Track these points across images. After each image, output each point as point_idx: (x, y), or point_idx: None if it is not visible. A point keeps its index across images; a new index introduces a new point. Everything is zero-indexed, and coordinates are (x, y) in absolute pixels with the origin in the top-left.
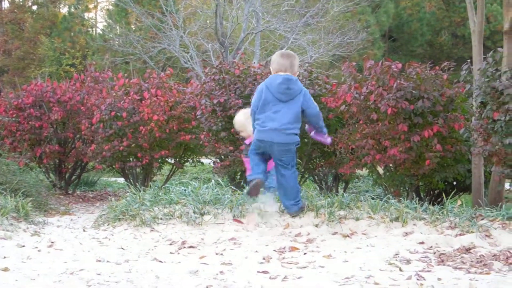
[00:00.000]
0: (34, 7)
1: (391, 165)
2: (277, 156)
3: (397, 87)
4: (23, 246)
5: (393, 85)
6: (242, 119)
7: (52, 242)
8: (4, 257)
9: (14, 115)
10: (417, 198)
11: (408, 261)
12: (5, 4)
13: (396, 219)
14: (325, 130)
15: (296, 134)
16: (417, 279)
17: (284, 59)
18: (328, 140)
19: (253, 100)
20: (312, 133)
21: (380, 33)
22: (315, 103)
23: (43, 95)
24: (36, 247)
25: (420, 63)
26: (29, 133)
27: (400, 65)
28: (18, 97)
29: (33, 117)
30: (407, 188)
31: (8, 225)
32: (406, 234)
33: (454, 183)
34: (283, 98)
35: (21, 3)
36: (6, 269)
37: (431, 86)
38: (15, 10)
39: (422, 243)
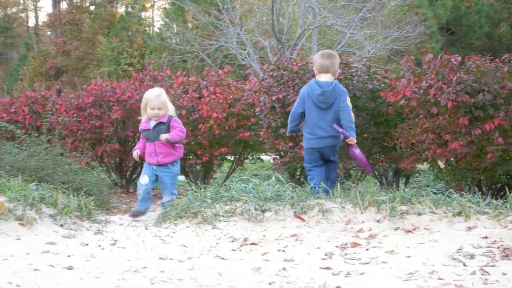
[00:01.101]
0: (92, 8)
1: (452, 159)
2: (327, 154)
3: (457, 81)
4: (87, 244)
5: (453, 79)
6: (164, 97)
7: (115, 241)
8: (68, 256)
9: (74, 115)
10: (479, 192)
11: (472, 256)
12: (63, 5)
13: (459, 213)
14: (352, 132)
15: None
16: (482, 274)
17: (325, 59)
18: (346, 135)
19: (296, 104)
20: (335, 125)
21: (438, 26)
22: (348, 104)
23: (103, 94)
24: (99, 246)
25: (479, 55)
26: (89, 133)
27: (459, 58)
28: (78, 97)
29: (93, 116)
30: (468, 182)
31: (71, 224)
32: (469, 228)
33: None
34: (322, 106)
35: (78, 4)
36: (70, 268)
37: (491, 79)
38: (73, 11)
39: (486, 237)
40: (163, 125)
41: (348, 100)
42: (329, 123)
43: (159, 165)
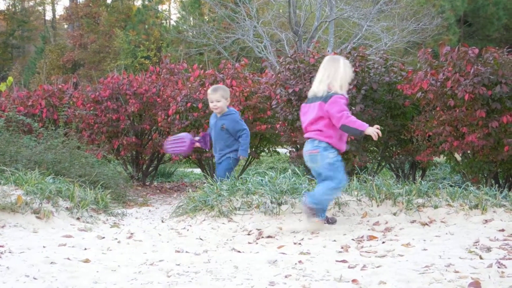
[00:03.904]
0: (109, 1)
1: (469, 151)
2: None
3: (474, 73)
4: (103, 237)
5: (470, 71)
6: None
7: (132, 234)
8: (85, 249)
9: (91, 108)
10: (496, 185)
11: (489, 249)
12: None
13: (475, 206)
14: None
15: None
16: (498, 267)
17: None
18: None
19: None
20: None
21: (455, 18)
22: None
23: (120, 87)
24: (116, 239)
25: (497, 47)
26: (106, 126)
27: (477, 51)
28: (95, 90)
29: (110, 109)
30: (485, 175)
31: (88, 217)
32: (486, 221)
33: None
34: None
35: None
36: (87, 261)
37: (509, 71)
38: (90, 4)
39: (503, 230)
40: None
41: None
42: None
43: None
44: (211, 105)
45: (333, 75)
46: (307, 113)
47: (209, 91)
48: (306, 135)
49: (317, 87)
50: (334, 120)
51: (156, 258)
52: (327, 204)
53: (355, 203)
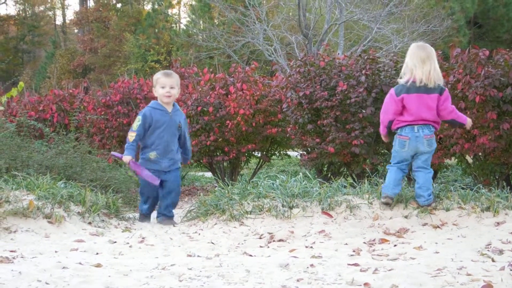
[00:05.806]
0: (119, 5)
1: (480, 154)
2: None
3: (485, 75)
4: (115, 242)
5: (480, 73)
6: None
7: (143, 238)
8: (97, 253)
9: (102, 113)
10: (508, 187)
11: (501, 252)
12: (90, 3)
13: (487, 209)
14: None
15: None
16: (511, 270)
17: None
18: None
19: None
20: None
21: (465, 19)
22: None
23: (130, 92)
24: (128, 243)
25: (507, 49)
26: (117, 130)
27: (487, 52)
28: (106, 95)
29: (121, 114)
30: (497, 177)
31: (99, 221)
32: (498, 224)
33: None
34: None
35: (105, 2)
36: (98, 265)
37: None
38: (100, 9)
39: None
40: None
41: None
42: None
43: None
44: (162, 91)
45: (437, 66)
46: (418, 103)
47: (160, 74)
48: (421, 122)
49: (427, 77)
50: (445, 112)
51: (167, 262)
52: None
53: (366, 206)
